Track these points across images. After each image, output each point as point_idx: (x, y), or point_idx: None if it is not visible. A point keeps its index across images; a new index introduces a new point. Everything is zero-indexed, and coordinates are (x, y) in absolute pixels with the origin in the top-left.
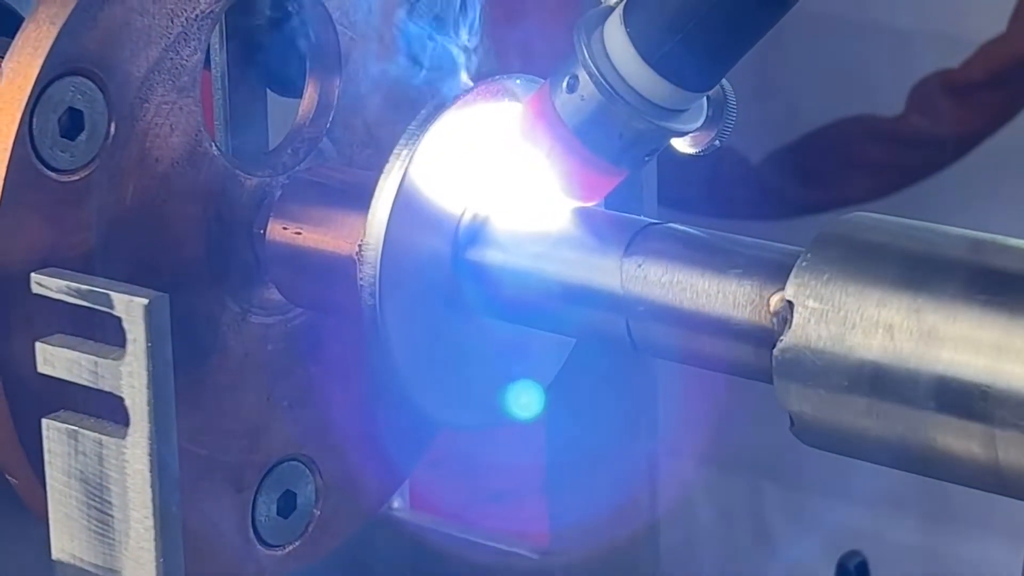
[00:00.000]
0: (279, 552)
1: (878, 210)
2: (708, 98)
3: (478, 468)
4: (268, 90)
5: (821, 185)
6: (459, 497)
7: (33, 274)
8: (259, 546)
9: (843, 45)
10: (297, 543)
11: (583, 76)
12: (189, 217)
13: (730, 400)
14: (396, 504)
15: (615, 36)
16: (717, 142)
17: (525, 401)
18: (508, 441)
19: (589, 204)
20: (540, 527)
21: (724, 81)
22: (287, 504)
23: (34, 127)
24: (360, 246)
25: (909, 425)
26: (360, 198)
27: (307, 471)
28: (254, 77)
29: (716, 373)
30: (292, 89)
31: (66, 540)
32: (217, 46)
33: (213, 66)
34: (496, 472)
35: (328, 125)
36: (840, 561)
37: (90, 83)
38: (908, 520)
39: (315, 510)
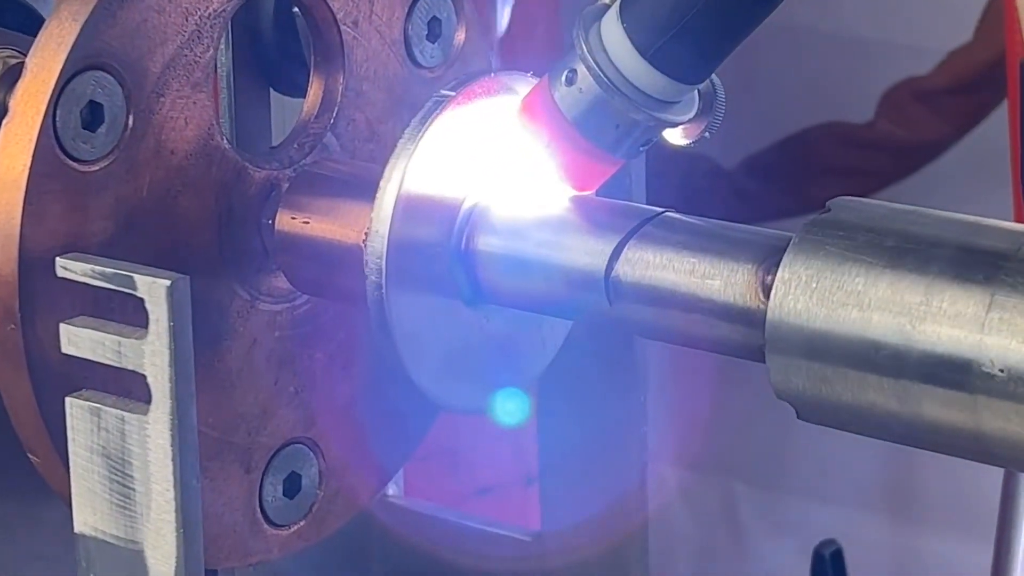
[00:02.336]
0: (284, 532)
1: None
2: (699, 92)
3: (466, 462)
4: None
5: (793, 190)
6: (449, 489)
7: (58, 258)
8: (266, 525)
9: (813, 54)
10: (301, 523)
11: (581, 70)
12: (201, 207)
13: (712, 402)
14: (391, 491)
15: (612, 31)
16: (707, 134)
17: (511, 408)
18: (495, 437)
19: (586, 193)
20: (526, 518)
21: (713, 76)
22: (292, 485)
23: (57, 119)
24: (367, 234)
25: (897, 397)
26: (365, 189)
27: (311, 454)
28: (258, 75)
29: (698, 373)
30: (294, 87)
31: (88, 514)
32: (223, 45)
33: (219, 64)
34: (482, 467)
35: (332, 121)
36: (816, 550)
37: (110, 77)
38: (880, 518)
39: (318, 491)
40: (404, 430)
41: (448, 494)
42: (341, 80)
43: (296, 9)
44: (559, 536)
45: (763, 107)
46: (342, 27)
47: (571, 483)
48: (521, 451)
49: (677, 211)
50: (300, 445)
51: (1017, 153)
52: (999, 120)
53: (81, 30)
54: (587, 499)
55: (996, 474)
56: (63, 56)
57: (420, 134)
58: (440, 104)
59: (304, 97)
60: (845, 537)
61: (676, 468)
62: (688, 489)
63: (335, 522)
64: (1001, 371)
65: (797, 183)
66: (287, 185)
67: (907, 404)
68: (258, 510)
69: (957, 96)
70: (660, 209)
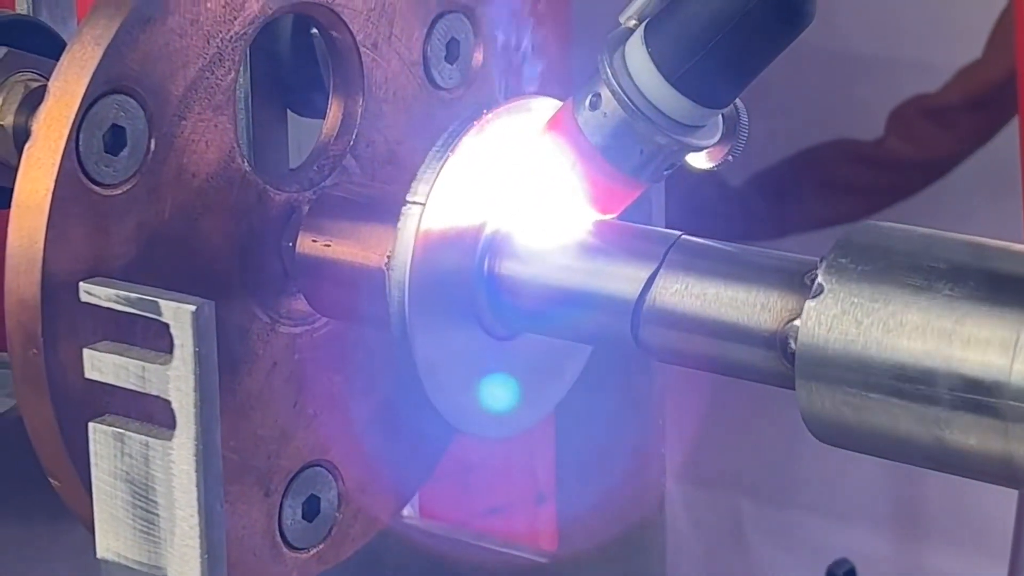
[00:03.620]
0: (304, 555)
1: None
2: (722, 115)
3: (475, 481)
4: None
5: (801, 208)
6: (459, 508)
7: (82, 283)
8: (285, 548)
9: (822, 71)
10: (320, 546)
11: (606, 94)
12: (222, 230)
13: (718, 419)
14: (407, 512)
15: (636, 56)
16: (731, 157)
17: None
18: (504, 455)
19: (608, 217)
20: (537, 537)
21: (737, 100)
22: (311, 508)
23: (80, 143)
24: (389, 257)
25: (926, 422)
26: (387, 212)
27: (330, 476)
28: (276, 97)
29: (705, 390)
30: (312, 109)
31: (111, 539)
32: (241, 68)
33: (237, 87)
34: (492, 486)
35: (352, 142)
36: (829, 569)
37: (132, 101)
38: (888, 535)
39: (337, 514)
40: (421, 452)
41: (458, 513)
42: (361, 102)
43: (314, 31)
44: (576, 557)
45: (771, 124)
46: (362, 49)
47: (588, 504)
48: (531, 469)
49: (690, 233)
50: (319, 468)
51: None
52: (1008, 137)
53: (104, 54)
54: (604, 520)
55: (1004, 492)
56: (86, 80)
57: (444, 157)
58: (464, 127)
59: (322, 118)
60: (854, 555)
61: (683, 485)
62: (696, 507)
63: (354, 544)
64: None
65: (805, 201)
66: (308, 208)
67: (937, 430)
68: (277, 533)
69: (967, 113)
70: (677, 233)
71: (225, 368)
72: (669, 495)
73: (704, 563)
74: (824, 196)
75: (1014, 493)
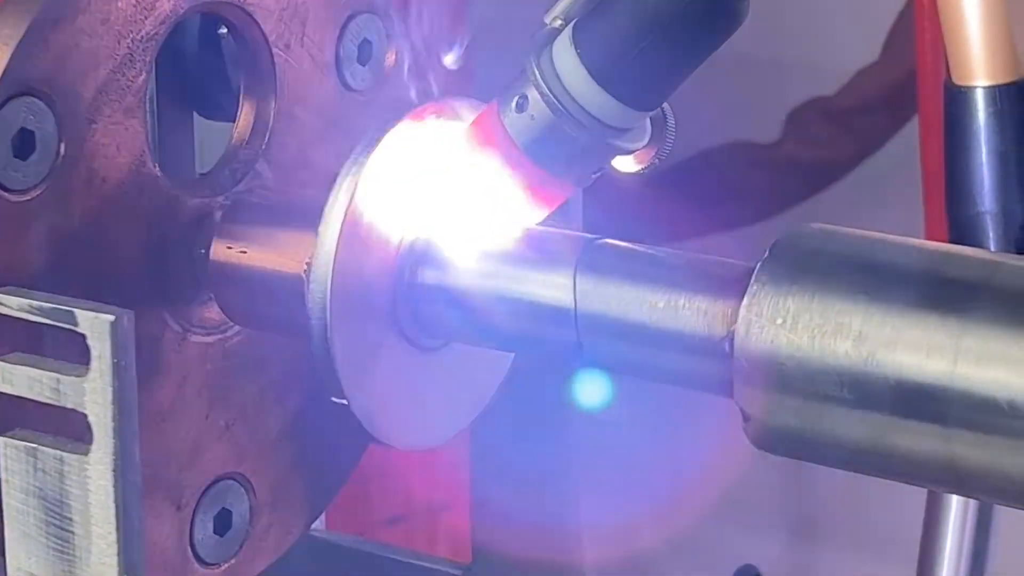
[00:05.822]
0: (215, 570)
1: (759, 234)
2: (650, 118)
3: (375, 491)
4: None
5: (700, 211)
6: (360, 519)
7: None
8: (197, 564)
9: (719, 74)
10: (232, 561)
11: (533, 95)
12: (133, 237)
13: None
14: (314, 524)
15: (565, 57)
16: (657, 160)
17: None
18: (402, 465)
19: (535, 222)
20: (438, 547)
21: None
22: (223, 522)
23: None
24: (308, 264)
25: (867, 428)
26: (305, 218)
27: (242, 489)
28: (182, 99)
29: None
30: (220, 112)
31: (23, 558)
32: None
33: (147, 89)
34: (391, 496)
35: (264, 146)
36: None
37: (41, 104)
38: (790, 541)
39: (249, 528)
40: (334, 463)
41: (357, 524)
42: (273, 104)
43: (224, 31)
44: (491, 569)
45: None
46: (274, 50)
47: (503, 514)
48: (431, 480)
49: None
50: (231, 481)
51: (929, 173)
52: (906, 139)
53: (12, 55)
54: (520, 530)
55: (912, 497)
56: None
57: (364, 161)
58: (385, 129)
59: (230, 121)
60: (759, 561)
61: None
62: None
63: (265, 559)
64: (972, 402)
65: (704, 204)
66: (220, 214)
67: (878, 436)
68: (189, 549)
69: (865, 115)
70: (605, 239)
71: (136, 379)
72: (582, 504)
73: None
74: (724, 200)
75: (921, 499)
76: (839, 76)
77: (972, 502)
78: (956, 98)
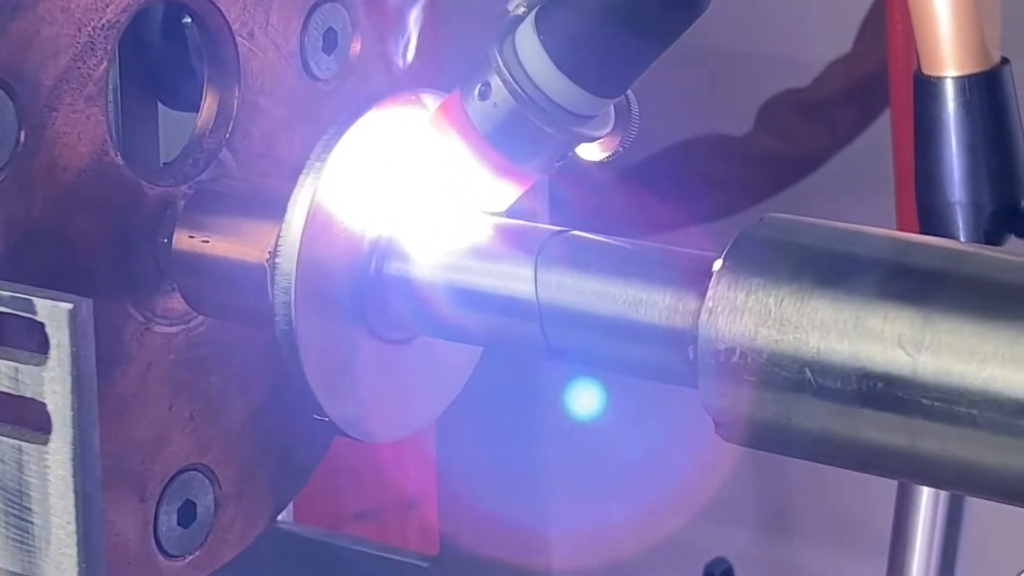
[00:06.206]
0: (179, 562)
1: (731, 226)
2: (614, 106)
3: (343, 485)
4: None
5: (673, 203)
6: (327, 513)
7: None
8: (161, 556)
9: (692, 65)
10: (197, 553)
11: (496, 83)
12: (95, 226)
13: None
14: (281, 516)
15: (527, 43)
16: (622, 148)
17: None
18: (371, 460)
19: (500, 211)
20: (407, 542)
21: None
22: (187, 514)
23: None
24: (271, 254)
25: (832, 419)
26: (268, 207)
27: (207, 481)
28: (146, 88)
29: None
30: (183, 101)
31: None
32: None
33: (108, 78)
34: (359, 490)
35: (228, 135)
36: (706, 569)
37: (0, 91)
38: (761, 534)
39: (214, 519)
40: (300, 455)
41: (326, 518)
42: (236, 93)
43: (187, 19)
44: (458, 561)
45: (642, 118)
46: (238, 39)
47: (470, 508)
48: (400, 475)
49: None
50: (195, 472)
51: (901, 164)
52: (878, 131)
53: None
54: (488, 523)
55: (881, 488)
56: None
57: (329, 151)
58: (349, 121)
59: (193, 111)
60: (730, 554)
61: (561, 489)
62: (573, 511)
63: (230, 551)
64: (935, 391)
65: (677, 198)
66: (183, 203)
67: (843, 427)
68: (153, 541)
69: (838, 107)
70: (567, 229)
71: (98, 369)
72: (550, 498)
73: (583, 567)
74: (696, 192)
75: (892, 489)
76: (811, 68)
77: (943, 492)
78: (926, 88)
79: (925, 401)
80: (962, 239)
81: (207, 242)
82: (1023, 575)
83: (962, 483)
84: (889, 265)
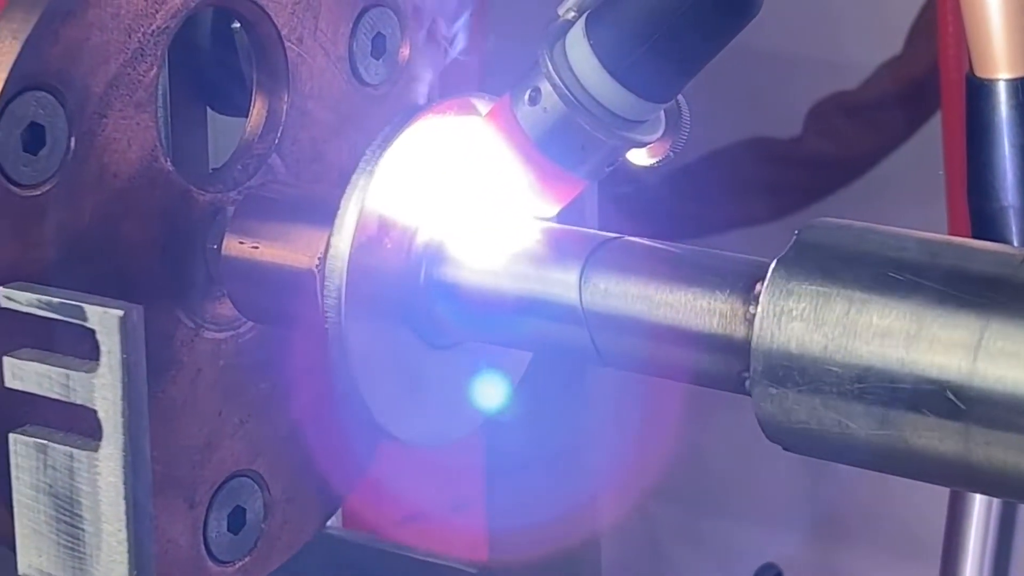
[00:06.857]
0: (229, 568)
1: (781, 230)
2: (664, 111)
3: (390, 489)
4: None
5: (720, 208)
6: (375, 517)
7: (2, 288)
8: (210, 562)
9: (740, 69)
10: (247, 559)
11: (546, 88)
12: (145, 232)
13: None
14: (330, 523)
15: (578, 48)
16: (671, 153)
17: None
18: (418, 463)
19: (549, 216)
20: (454, 547)
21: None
22: (237, 520)
23: None
24: (321, 259)
25: (886, 426)
26: (318, 213)
27: (256, 487)
28: (196, 94)
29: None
30: (233, 107)
31: (34, 556)
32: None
33: (158, 84)
34: (406, 494)
35: (277, 141)
36: (756, 574)
37: (51, 98)
38: (813, 539)
39: (263, 525)
40: (349, 460)
41: (374, 522)
42: (286, 99)
43: (237, 25)
44: (507, 569)
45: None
46: (287, 44)
47: (519, 514)
48: (448, 478)
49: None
50: (245, 478)
51: (952, 167)
52: (929, 134)
53: (22, 49)
54: (536, 531)
55: (933, 495)
56: (3, 76)
57: (379, 156)
58: (399, 126)
59: (243, 116)
60: (781, 560)
61: (612, 493)
62: (624, 515)
63: (280, 557)
64: (993, 399)
65: (725, 202)
66: (233, 209)
67: (898, 434)
68: (202, 547)
69: (887, 110)
70: (617, 235)
71: (148, 375)
72: (599, 504)
73: (633, 572)
74: (744, 196)
75: (944, 496)
76: (860, 71)
77: (996, 499)
78: (978, 91)
79: (981, 409)
80: (1016, 244)
81: (257, 248)
82: None
83: (1017, 491)
84: (943, 271)
